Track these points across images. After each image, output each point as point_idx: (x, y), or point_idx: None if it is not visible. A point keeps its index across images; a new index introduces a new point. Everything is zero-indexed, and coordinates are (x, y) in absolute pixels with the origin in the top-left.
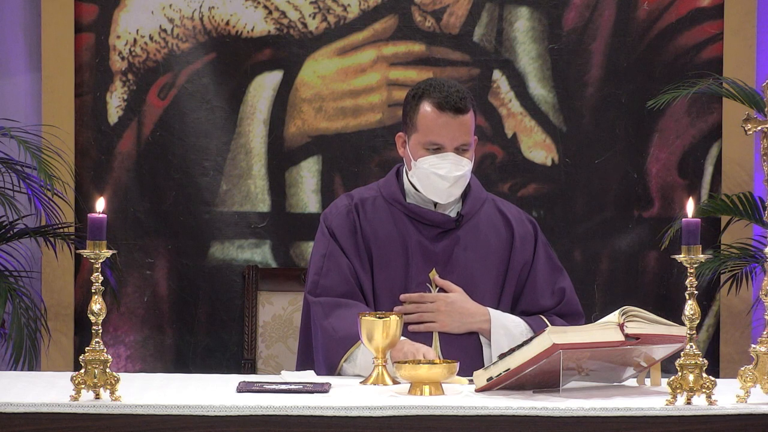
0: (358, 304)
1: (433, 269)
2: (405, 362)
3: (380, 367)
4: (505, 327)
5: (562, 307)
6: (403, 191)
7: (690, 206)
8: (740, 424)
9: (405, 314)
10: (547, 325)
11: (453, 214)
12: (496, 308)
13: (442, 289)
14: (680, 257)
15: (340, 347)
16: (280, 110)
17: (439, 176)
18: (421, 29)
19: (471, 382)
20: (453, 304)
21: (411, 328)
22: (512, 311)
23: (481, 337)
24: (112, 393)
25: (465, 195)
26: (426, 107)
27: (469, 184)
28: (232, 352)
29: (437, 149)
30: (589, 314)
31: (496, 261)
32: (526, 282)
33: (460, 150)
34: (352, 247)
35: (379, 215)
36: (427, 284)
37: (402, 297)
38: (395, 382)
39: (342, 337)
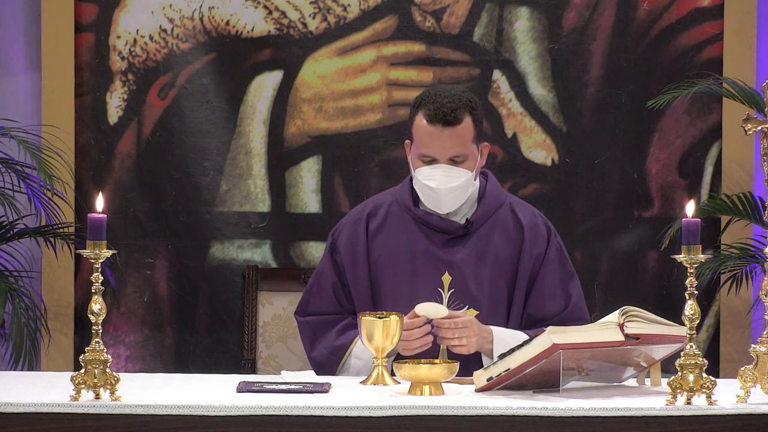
0: (342, 318)
1: (446, 272)
2: (405, 362)
3: (380, 367)
4: (507, 343)
5: (567, 313)
6: (414, 197)
7: (690, 206)
8: (740, 424)
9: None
10: None
11: (463, 221)
12: (508, 315)
13: (453, 294)
14: (680, 257)
15: (333, 364)
16: (280, 110)
17: (430, 188)
18: (421, 29)
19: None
20: (476, 325)
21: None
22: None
23: (483, 356)
24: (112, 393)
25: (480, 199)
26: (420, 119)
27: (484, 188)
28: (232, 352)
29: (431, 161)
30: (590, 314)
31: (508, 267)
32: (534, 285)
33: (454, 161)
34: (352, 258)
35: (391, 222)
36: (439, 289)
37: (435, 322)
38: (395, 382)
39: (330, 352)
